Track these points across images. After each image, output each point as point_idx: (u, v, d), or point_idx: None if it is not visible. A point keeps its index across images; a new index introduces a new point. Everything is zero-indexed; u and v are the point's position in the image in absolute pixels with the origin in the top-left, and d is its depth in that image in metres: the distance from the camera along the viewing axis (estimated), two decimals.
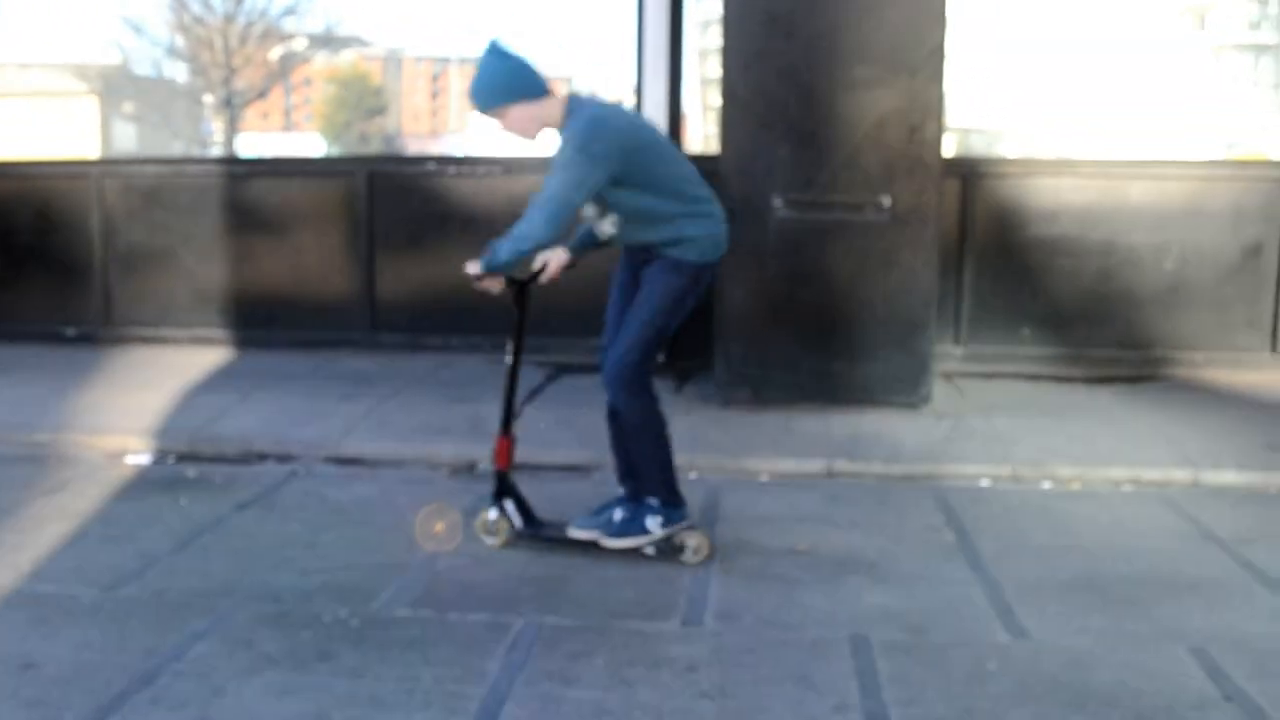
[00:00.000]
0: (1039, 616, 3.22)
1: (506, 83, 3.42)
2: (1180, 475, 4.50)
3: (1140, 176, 6.42)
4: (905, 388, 5.37)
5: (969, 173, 6.41)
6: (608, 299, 3.73)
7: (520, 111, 3.46)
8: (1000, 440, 4.89)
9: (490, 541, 3.75)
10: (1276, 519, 4.14)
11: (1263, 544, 3.84)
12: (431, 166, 6.90)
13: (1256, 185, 6.36)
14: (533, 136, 3.53)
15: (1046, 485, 4.50)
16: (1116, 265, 6.35)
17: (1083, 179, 6.41)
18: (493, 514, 3.75)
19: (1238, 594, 3.42)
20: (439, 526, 3.99)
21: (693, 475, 4.52)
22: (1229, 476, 4.47)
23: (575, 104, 3.47)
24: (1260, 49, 43.42)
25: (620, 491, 3.77)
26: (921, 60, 5.27)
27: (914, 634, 3.10)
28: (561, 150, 3.39)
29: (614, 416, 3.70)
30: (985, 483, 4.52)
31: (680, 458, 4.59)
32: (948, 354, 6.25)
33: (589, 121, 3.36)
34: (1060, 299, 6.36)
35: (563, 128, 3.44)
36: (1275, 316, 6.28)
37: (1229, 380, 6.07)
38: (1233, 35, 43.63)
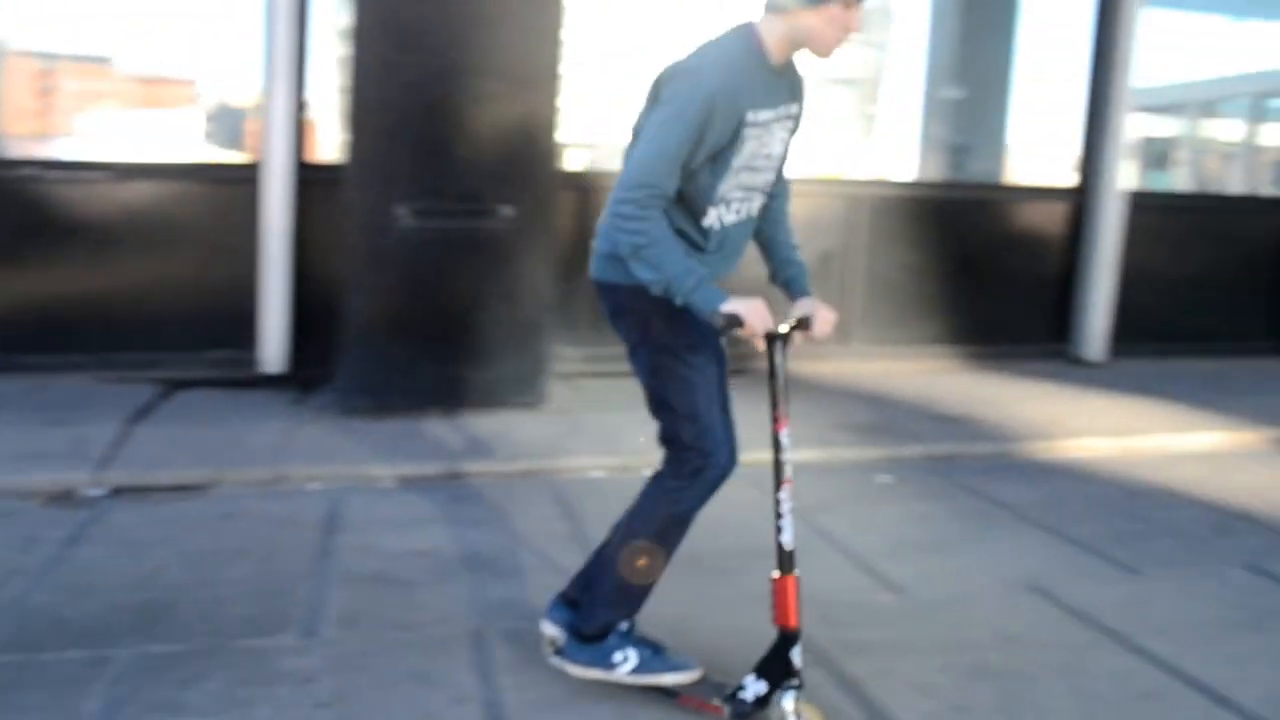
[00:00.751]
0: None
1: None
2: (764, 456, 4.83)
3: None
4: (525, 389, 5.47)
5: (585, 185, 6.61)
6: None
7: None
8: (611, 434, 5.09)
9: None
10: (843, 488, 4.60)
11: (832, 511, 4.25)
12: (30, 170, 6.22)
13: (831, 200, 7.01)
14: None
15: (650, 472, 4.72)
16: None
17: None
18: (789, 702, 2.60)
19: (810, 556, 3.74)
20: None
21: (315, 485, 4.37)
22: (806, 454, 4.89)
23: None
24: (842, 82, 48.23)
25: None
26: (540, 76, 5.38)
27: (531, 622, 3.15)
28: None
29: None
30: (598, 474, 4.70)
31: (302, 468, 4.48)
32: (566, 355, 6.42)
33: None
34: None
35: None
36: (845, 313, 6.94)
37: (808, 370, 6.65)
38: (820, 69, 48.14)
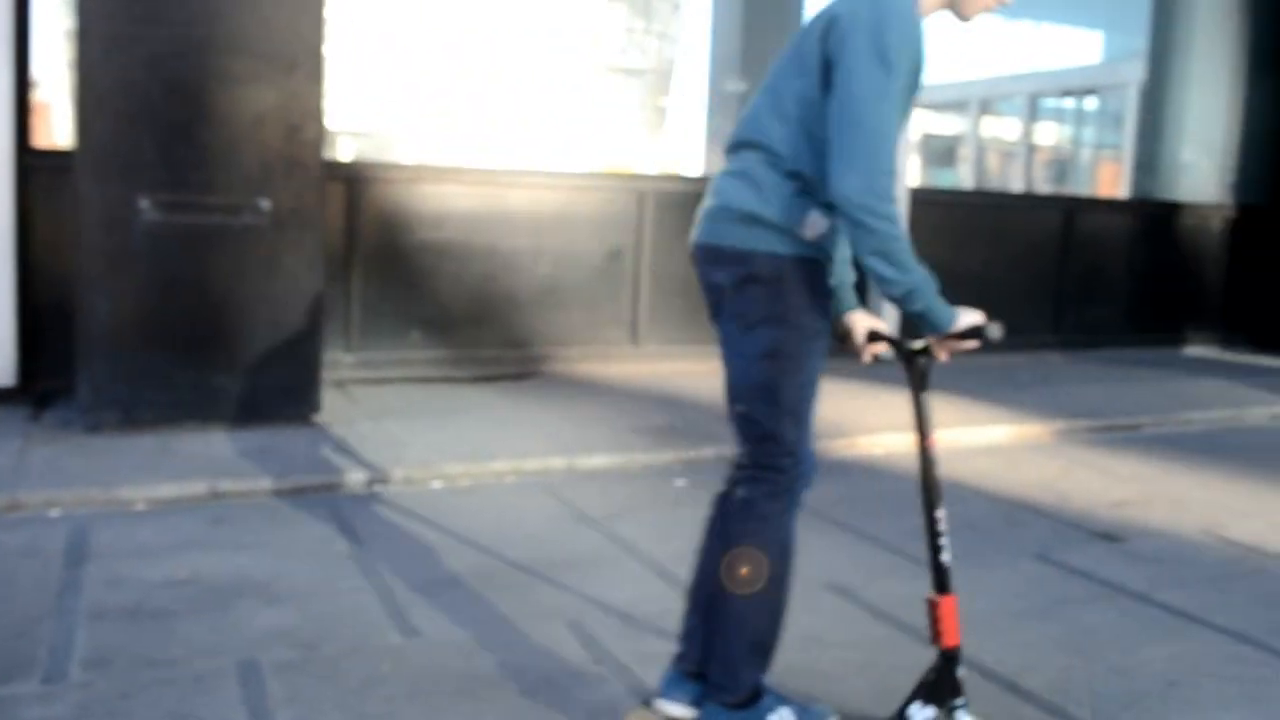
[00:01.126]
0: (430, 613, 3.37)
1: None
2: (557, 463, 4.95)
3: (519, 185, 6.95)
4: (294, 399, 5.34)
5: (355, 176, 6.52)
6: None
7: None
8: (392, 445, 5.04)
9: None
10: (639, 494, 4.71)
11: (628, 518, 4.34)
12: None
13: (617, 195, 7.16)
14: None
15: (437, 484, 4.72)
16: (498, 269, 6.81)
17: (467, 186, 6.79)
18: (966, 717, 2.56)
19: (608, 566, 3.84)
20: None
21: (55, 512, 4.13)
22: (599, 460, 4.99)
23: None
24: (630, 73, 48.98)
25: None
26: (300, 58, 5.26)
27: (306, 650, 3.10)
28: None
29: None
30: (378, 488, 4.64)
31: (40, 493, 4.24)
32: (339, 361, 6.31)
33: None
34: (447, 302, 6.70)
35: None
36: (635, 313, 7.13)
37: (599, 372, 6.78)
38: (608, 58, 48.70)
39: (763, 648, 2.60)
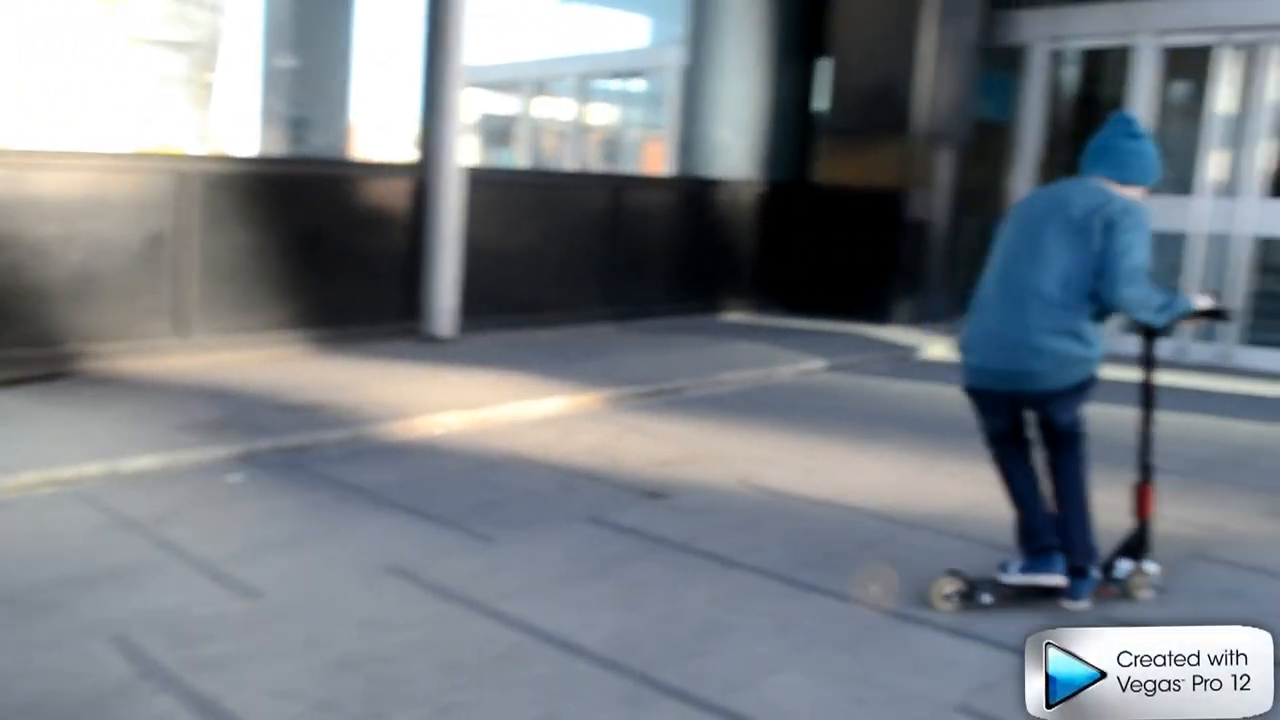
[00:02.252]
0: None
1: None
2: (95, 469, 4.63)
3: (46, 166, 6.36)
4: None
5: None
6: None
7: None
8: None
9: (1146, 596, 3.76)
10: (189, 494, 4.52)
11: (177, 521, 4.17)
12: None
13: (158, 176, 6.75)
14: None
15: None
16: (23, 259, 6.22)
17: None
18: (1152, 566, 3.76)
19: (155, 573, 3.67)
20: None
21: None
22: (143, 462, 4.73)
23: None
24: (174, 45, 45.72)
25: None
26: None
27: None
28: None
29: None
30: None
31: None
32: None
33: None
34: None
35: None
36: (181, 303, 6.77)
37: (142, 368, 6.39)
38: (146, 29, 45.14)
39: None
